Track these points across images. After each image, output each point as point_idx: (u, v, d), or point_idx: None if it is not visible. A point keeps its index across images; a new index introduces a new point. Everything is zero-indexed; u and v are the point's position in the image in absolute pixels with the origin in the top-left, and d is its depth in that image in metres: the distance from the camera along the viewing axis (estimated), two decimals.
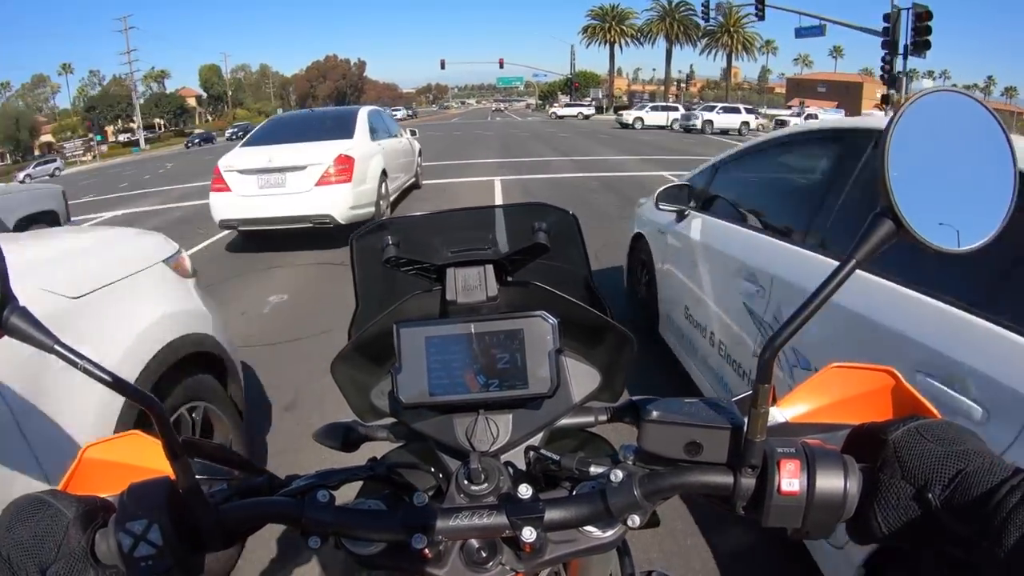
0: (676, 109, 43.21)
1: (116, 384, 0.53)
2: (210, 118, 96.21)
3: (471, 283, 0.83)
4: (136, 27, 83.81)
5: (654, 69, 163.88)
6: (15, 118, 66.65)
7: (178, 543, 0.57)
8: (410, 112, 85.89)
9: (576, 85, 71.18)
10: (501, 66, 69.16)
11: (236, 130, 53.08)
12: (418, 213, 0.93)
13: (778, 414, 0.66)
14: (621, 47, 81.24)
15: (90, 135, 67.76)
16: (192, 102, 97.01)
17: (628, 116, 42.62)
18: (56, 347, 0.52)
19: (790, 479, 0.56)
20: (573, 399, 0.81)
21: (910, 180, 0.52)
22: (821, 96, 74.98)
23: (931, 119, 0.54)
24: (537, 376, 0.74)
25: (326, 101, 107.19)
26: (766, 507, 0.57)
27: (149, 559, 0.56)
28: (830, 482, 0.56)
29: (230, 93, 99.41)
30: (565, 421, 0.82)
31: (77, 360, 0.52)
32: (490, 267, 0.84)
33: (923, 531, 0.54)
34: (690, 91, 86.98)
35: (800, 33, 37.30)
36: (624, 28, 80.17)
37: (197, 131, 62.26)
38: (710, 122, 35.40)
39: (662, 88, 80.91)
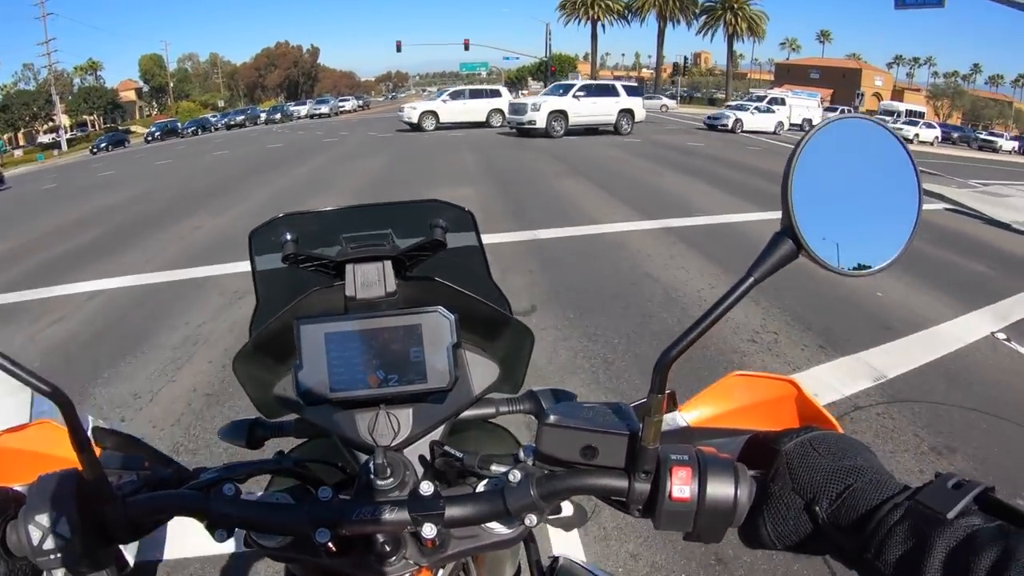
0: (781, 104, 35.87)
1: (16, 372, 0.52)
2: (151, 112, 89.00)
3: (370, 279, 0.82)
4: (56, 14, 75.20)
5: (623, 54, 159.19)
6: None
7: (87, 535, 0.58)
8: (361, 103, 79.41)
9: (553, 69, 64.73)
10: (467, 48, 61.96)
11: (155, 130, 46.11)
12: (317, 209, 0.85)
13: (679, 418, 0.72)
14: (604, 25, 74.68)
15: None
16: (132, 95, 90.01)
17: (725, 115, 31.90)
18: None
19: (681, 486, 0.59)
20: (473, 392, 0.82)
21: (813, 203, 0.54)
22: (814, 83, 70.91)
23: (839, 144, 0.56)
24: (436, 370, 0.75)
25: (276, 91, 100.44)
26: (658, 511, 0.60)
27: (58, 551, 0.57)
28: (720, 490, 0.59)
29: (171, 85, 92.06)
30: (467, 413, 0.84)
31: None
32: (389, 263, 0.83)
33: (810, 542, 0.58)
34: (662, 78, 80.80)
35: (905, 2, 26.34)
36: (609, 3, 73.25)
37: (150, 127, 53.23)
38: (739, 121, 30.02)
39: (643, 73, 74.90)
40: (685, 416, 0.72)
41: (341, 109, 67.36)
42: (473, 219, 0.87)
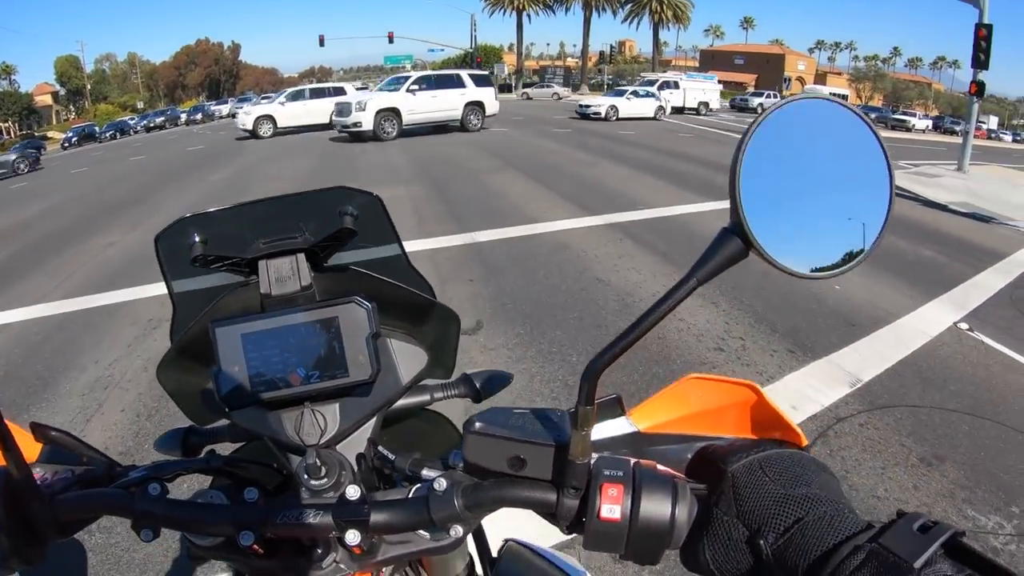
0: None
1: None
2: (68, 116, 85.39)
3: (284, 274, 0.79)
4: None
5: (547, 44, 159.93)
6: None
7: (14, 534, 0.57)
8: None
9: (479, 60, 64.08)
10: (391, 41, 60.39)
11: (72, 135, 42.36)
12: (220, 207, 0.81)
13: (628, 424, 0.67)
14: (530, 15, 74.16)
15: None
16: (49, 100, 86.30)
17: (597, 102, 29.86)
18: None
19: (611, 505, 0.56)
20: (402, 381, 0.80)
21: (766, 195, 0.50)
22: (739, 68, 72.27)
23: (794, 128, 0.51)
24: (357, 363, 0.74)
25: (197, 90, 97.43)
26: (587, 531, 0.57)
27: None
28: (655, 508, 0.55)
29: (89, 87, 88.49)
30: (401, 402, 0.84)
31: None
32: (302, 256, 0.79)
33: None
34: (588, 66, 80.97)
35: None
36: None
37: (67, 132, 48.97)
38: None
39: (568, 62, 74.96)
40: (636, 422, 0.68)
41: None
42: (382, 203, 0.84)
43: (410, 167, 14.56)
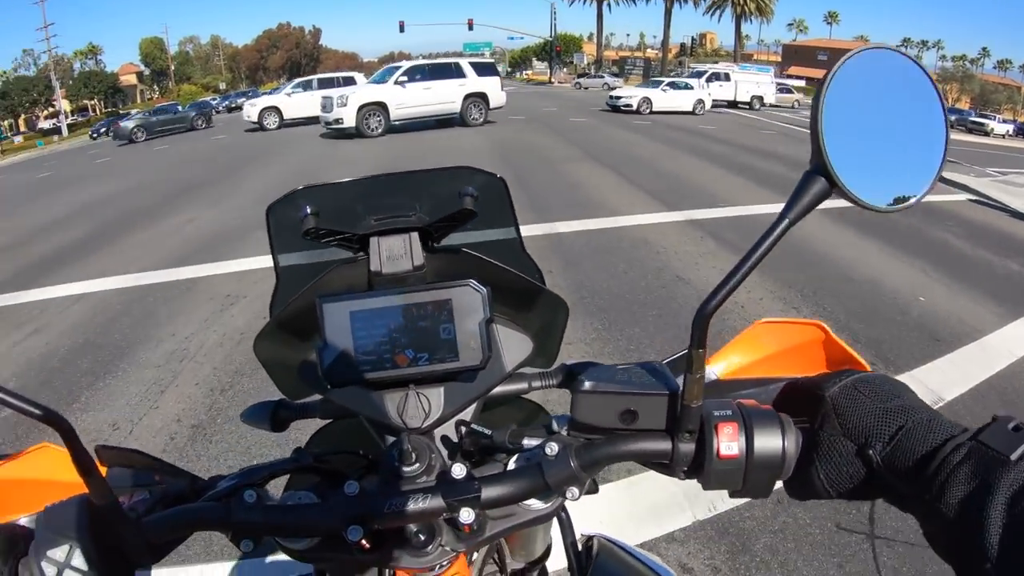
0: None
1: (6, 399, 0.48)
2: (152, 96, 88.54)
3: (396, 252, 0.77)
4: None
5: (627, 35, 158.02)
6: None
7: (104, 565, 0.54)
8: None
9: (559, 49, 63.76)
10: (471, 28, 60.94)
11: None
12: (337, 180, 0.78)
13: (709, 371, 0.69)
14: (610, 5, 73.38)
15: None
16: (133, 79, 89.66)
17: (629, 93, 28.17)
18: None
19: (729, 442, 0.57)
20: (506, 368, 0.79)
21: (843, 137, 0.53)
22: (822, 64, 70.02)
23: (865, 77, 0.54)
24: (468, 348, 0.72)
25: (278, 72, 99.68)
26: (707, 471, 0.58)
27: None
28: (768, 443, 0.57)
29: (173, 68, 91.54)
30: (498, 389, 0.81)
31: None
32: (415, 235, 0.78)
33: (864, 487, 0.56)
34: (668, 58, 79.53)
35: None
36: None
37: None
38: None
39: (648, 53, 73.83)
40: (714, 369, 0.71)
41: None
42: (505, 186, 0.81)
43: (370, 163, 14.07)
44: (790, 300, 5.53)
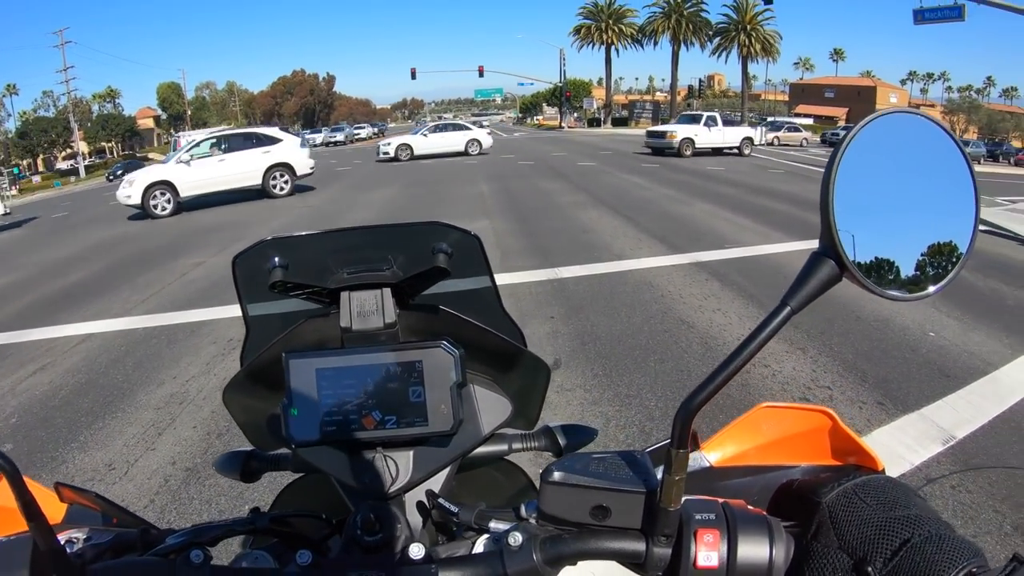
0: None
1: None
2: (168, 139, 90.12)
3: (367, 308, 0.75)
4: (74, 42, 76.82)
5: (636, 78, 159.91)
6: None
7: None
8: (376, 130, 77.90)
9: (568, 94, 64.59)
10: (481, 74, 62.14)
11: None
12: (308, 232, 0.77)
13: (702, 457, 0.65)
14: (618, 50, 74.30)
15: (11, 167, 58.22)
16: (151, 123, 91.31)
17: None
18: None
19: (708, 552, 0.53)
20: (482, 431, 0.76)
21: (857, 216, 0.48)
22: (829, 102, 70.38)
23: (882, 145, 0.49)
24: (439, 412, 0.70)
25: (293, 118, 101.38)
26: None
27: None
28: (753, 552, 0.53)
29: (189, 112, 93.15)
30: (477, 451, 0.79)
31: None
32: (387, 290, 0.75)
33: None
34: (677, 101, 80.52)
35: (924, 16, 23.97)
36: (622, 28, 72.41)
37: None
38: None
39: (657, 96, 74.65)
40: (708, 456, 0.66)
41: (356, 137, 66.59)
42: (479, 243, 0.78)
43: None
44: (796, 341, 5.47)
